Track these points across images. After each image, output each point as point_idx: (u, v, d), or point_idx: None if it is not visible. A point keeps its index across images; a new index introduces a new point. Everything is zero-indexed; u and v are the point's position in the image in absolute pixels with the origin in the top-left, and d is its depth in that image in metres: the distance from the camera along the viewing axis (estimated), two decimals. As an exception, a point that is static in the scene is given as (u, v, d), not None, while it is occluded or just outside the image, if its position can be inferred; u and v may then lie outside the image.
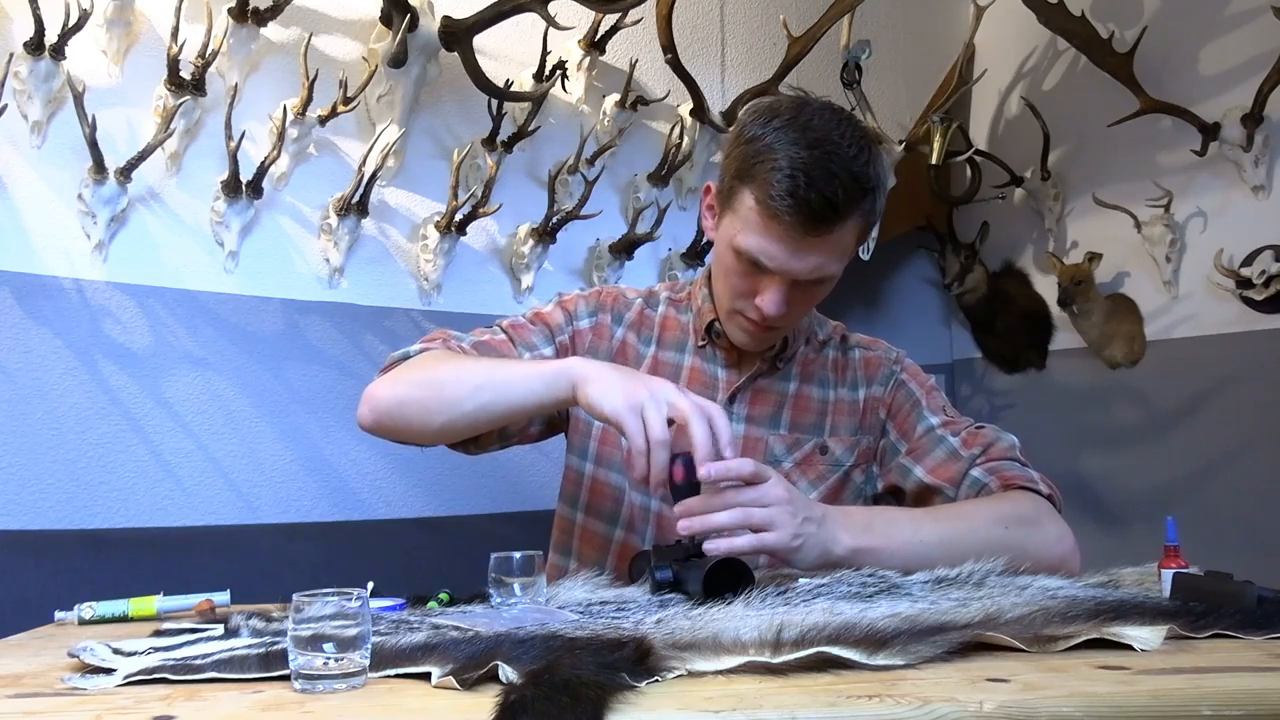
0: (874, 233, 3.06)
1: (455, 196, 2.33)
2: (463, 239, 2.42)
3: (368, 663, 0.76)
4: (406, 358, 1.29)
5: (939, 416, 1.37)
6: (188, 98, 2.04)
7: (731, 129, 1.28)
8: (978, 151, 3.40)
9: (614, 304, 1.43)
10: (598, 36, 2.62)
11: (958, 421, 1.38)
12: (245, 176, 2.09)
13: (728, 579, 1.02)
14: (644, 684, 0.72)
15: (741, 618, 0.89)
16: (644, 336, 1.41)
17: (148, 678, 0.78)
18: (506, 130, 2.49)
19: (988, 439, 1.34)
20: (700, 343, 1.39)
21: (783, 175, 1.16)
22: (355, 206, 2.24)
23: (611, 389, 1.08)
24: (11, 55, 1.87)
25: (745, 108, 1.28)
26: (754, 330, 1.30)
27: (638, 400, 1.06)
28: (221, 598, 1.19)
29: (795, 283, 1.23)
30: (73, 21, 1.87)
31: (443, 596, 1.17)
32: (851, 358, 1.44)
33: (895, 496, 1.40)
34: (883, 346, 1.46)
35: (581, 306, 1.42)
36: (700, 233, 2.78)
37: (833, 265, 1.24)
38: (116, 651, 0.85)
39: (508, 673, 0.72)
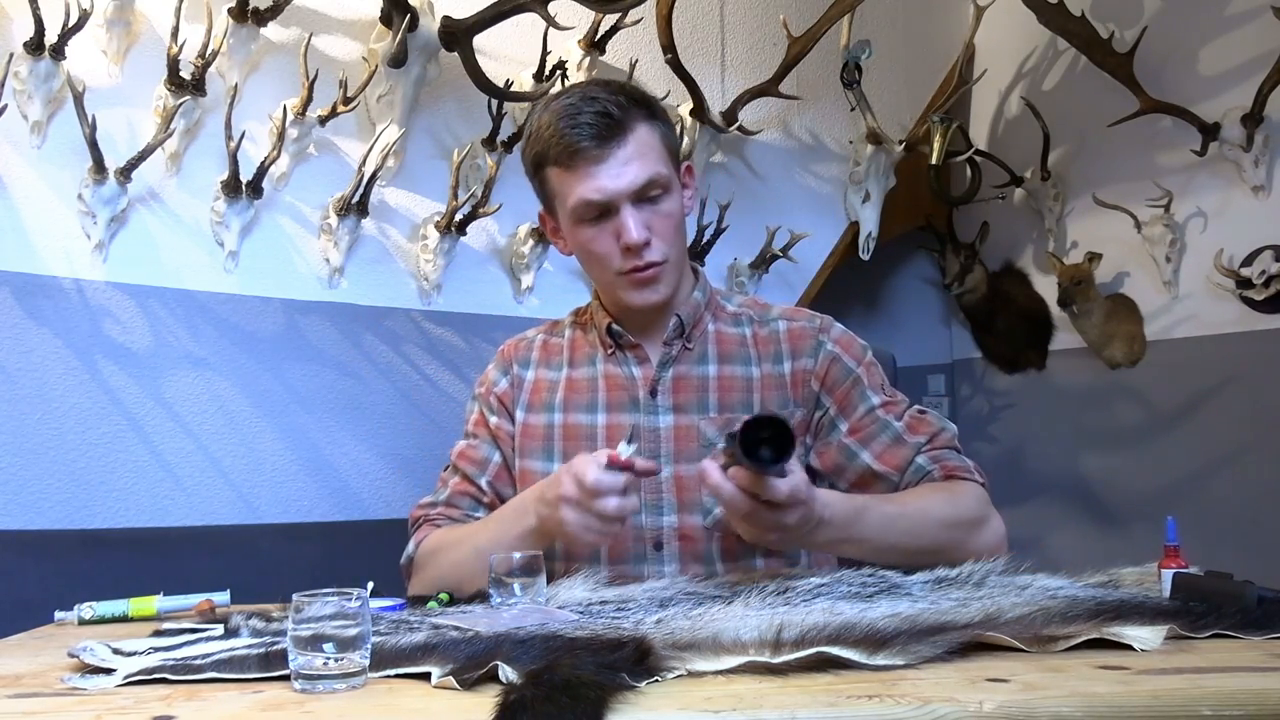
0: (873, 231, 3.10)
1: (455, 196, 2.33)
2: (463, 239, 2.42)
3: (368, 663, 0.77)
4: (411, 560, 1.39)
5: (879, 396, 1.37)
6: (188, 98, 2.04)
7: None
8: (978, 151, 3.40)
9: (515, 353, 1.49)
10: (598, 36, 2.62)
11: (896, 401, 1.38)
12: (245, 176, 2.09)
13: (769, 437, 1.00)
14: (644, 684, 0.72)
15: (741, 618, 0.89)
16: (553, 364, 1.46)
17: (148, 678, 0.78)
18: (506, 130, 2.49)
19: (932, 427, 1.36)
20: (609, 350, 1.42)
21: (556, 124, 1.27)
22: (355, 206, 2.24)
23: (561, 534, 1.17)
24: (11, 55, 1.87)
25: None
26: (638, 278, 1.32)
27: (567, 526, 1.14)
28: (221, 598, 1.19)
29: (637, 204, 1.28)
30: (73, 21, 1.87)
31: (443, 596, 1.18)
32: (775, 330, 1.42)
33: (836, 476, 1.38)
34: (805, 315, 1.44)
35: (494, 374, 1.49)
36: (701, 231, 2.78)
37: (654, 167, 1.28)
38: (116, 651, 0.85)
39: (508, 673, 0.72)
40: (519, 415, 1.44)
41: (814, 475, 1.40)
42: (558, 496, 1.14)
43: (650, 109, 1.31)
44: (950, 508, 1.27)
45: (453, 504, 1.43)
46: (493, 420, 1.45)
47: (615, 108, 1.26)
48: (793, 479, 1.05)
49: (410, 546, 1.41)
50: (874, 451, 1.34)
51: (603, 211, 1.29)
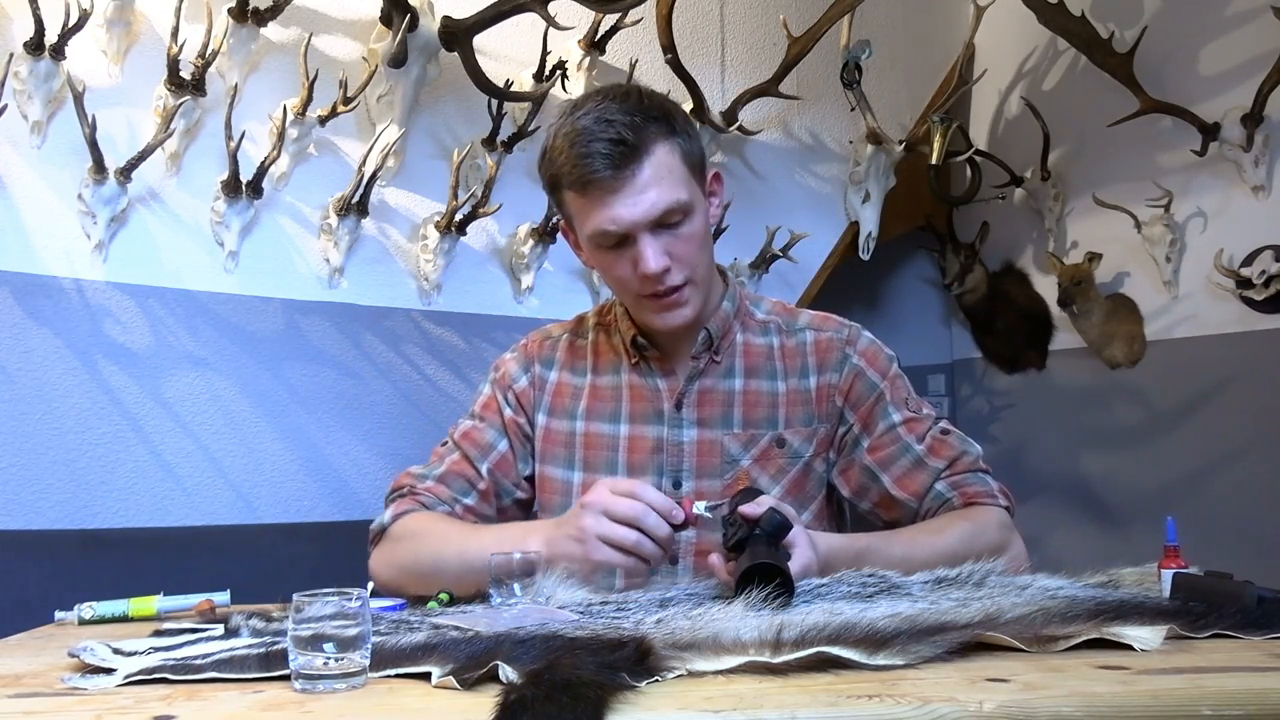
0: (873, 231, 3.10)
1: (455, 196, 2.33)
2: (463, 239, 2.42)
3: (368, 663, 0.76)
4: (384, 529, 1.35)
5: (902, 412, 1.34)
6: (188, 98, 2.04)
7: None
8: (978, 151, 3.40)
9: (540, 351, 1.45)
10: (598, 36, 2.62)
11: (921, 418, 1.35)
12: (245, 176, 2.09)
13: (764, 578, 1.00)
14: (644, 684, 0.72)
15: (741, 618, 0.89)
16: (578, 369, 1.43)
17: (148, 678, 0.78)
18: (506, 130, 2.49)
19: (954, 450, 1.33)
20: (633, 359, 1.38)
21: (571, 148, 1.22)
22: (355, 206, 2.24)
23: (567, 555, 1.10)
24: (11, 55, 1.87)
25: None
26: (661, 303, 1.29)
27: (585, 539, 1.09)
28: (221, 598, 1.19)
29: (655, 231, 1.23)
30: (73, 21, 1.87)
31: (443, 596, 1.17)
32: (802, 341, 1.39)
33: (859, 497, 1.37)
34: (834, 325, 1.40)
35: (514, 369, 1.45)
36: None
37: (673, 193, 1.22)
38: (116, 651, 0.85)
39: (508, 673, 0.72)
40: (541, 419, 1.41)
41: (831, 488, 1.39)
42: (581, 505, 1.11)
43: (669, 123, 1.25)
44: (965, 541, 1.23)
45: (444, 482, 1.38)
46: (507, 412, 1.42)
47: (630, 131, 1.20)
48: (796, 561, 1.05)
49: (387, 515, 1.35)
50: (893, 476, 1.32)
51: (620, 239, 1.24)
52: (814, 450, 1.35)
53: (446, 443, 1.43)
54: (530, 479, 1.42)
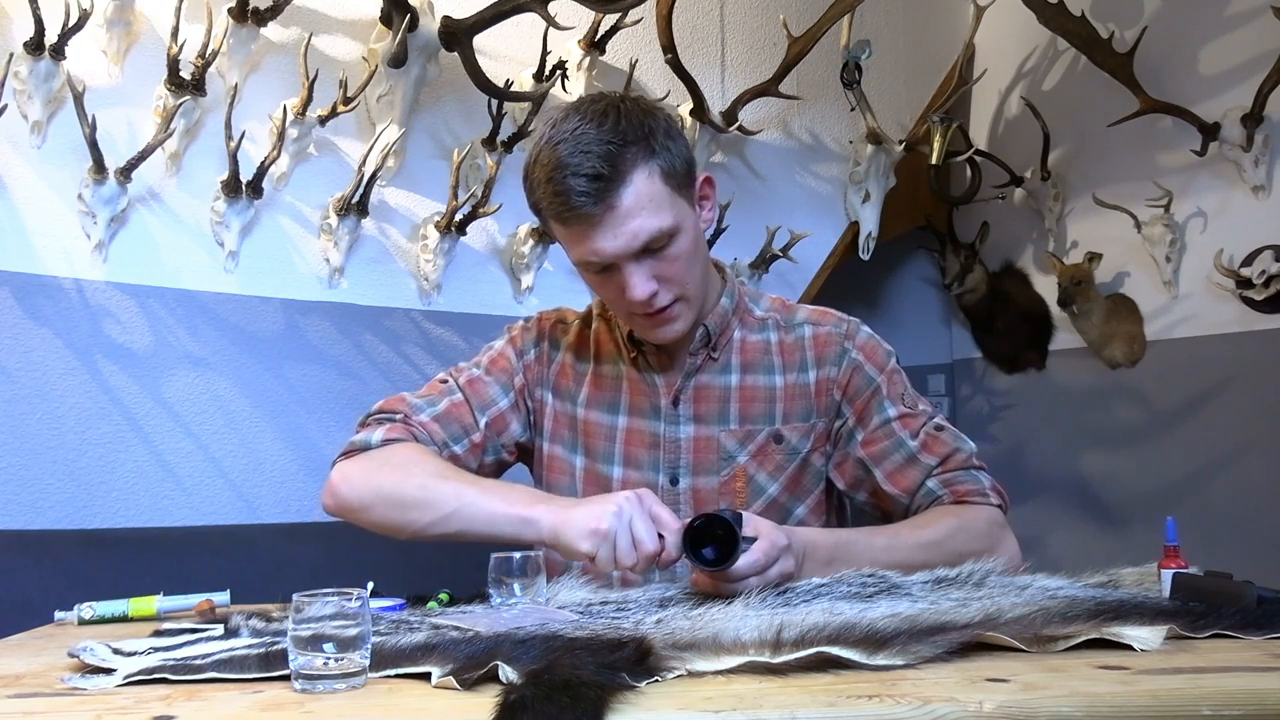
0: (873, 231, 3.10)
1: (455, 196, 2.33)
2: (463, 239, 2.42)
3: (368, 663, 0.76)
4: (368, 446, 1.30)
5: (897, 407, 1.34)
6: (188, 98, 2.04)
7: None
8: (978, 151, 3.40)
9: (552, 330, 1.45)
10: (598, 36, 2.62)
11: (916, 414, 1.34)
12: (245, 176, 2.09)
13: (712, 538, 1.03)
14: (644, 684, 0.72)
15: (741, 618, 0.89)
16: (582, 356, 1.42)
17: (148, 678, 0.78)
18: (506, 130, 2.49)
19: (947, 447, 1.32)
20: (631, 354, 1.38)
21: (549, 183, 1.19)
22: (355, 206, 2.24)
23: (580, 528, 1.10)
24: (11, 55, 1.87)
25: None
26: (652, 321, 1.28)
27: (608, 526, 1.08)
28: (221, 598, 1.19)
29: (641, 258, 1.22)
30: (73, 21, 1.88)
31: (443, 596, 1.17)
32: (801, 336, 1.38)
33: (853, 490, 1.37)
34: (833, 319, 1.40)
35: (526, 340, 1.44)
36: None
37: (655, 221, 1.20)
38: (116, 651, 0.85)
39: (508, 673, 0.72)
40: (549, 398, 1.41)
41: (831, 483, 1.39)
42: (625, 495, 1.10)
43: (648, 143, 1.20)
44: (952, 537, 1.23)
45: (440, 422, 1.34)
46: (517, 377, 1.41)
47: (606, 164, 1.16)
48: (747, 556, 1.05)
49: (376, 435, 1.30)
50: (885, 471, 1.32)
51: (605, 267, 1.23)
52: (811, 445, 1.35)
53: (447, 381, 1.40)
54: (520, 445, 1.41)
